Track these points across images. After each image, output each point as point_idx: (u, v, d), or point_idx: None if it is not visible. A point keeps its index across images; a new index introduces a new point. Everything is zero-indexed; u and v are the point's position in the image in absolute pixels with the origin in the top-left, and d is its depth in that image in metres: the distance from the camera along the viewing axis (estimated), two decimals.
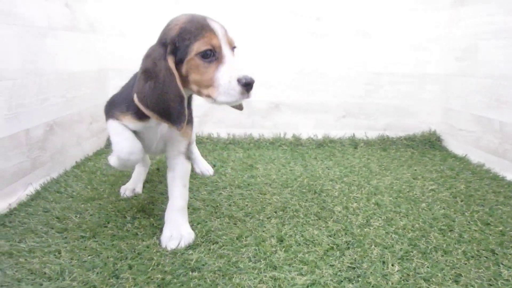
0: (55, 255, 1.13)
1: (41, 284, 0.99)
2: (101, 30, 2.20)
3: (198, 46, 1.02)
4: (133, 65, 2.38)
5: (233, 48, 1.10)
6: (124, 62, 2.30)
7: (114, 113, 1.19)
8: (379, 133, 2.33)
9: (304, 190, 1.58)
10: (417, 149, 2.16)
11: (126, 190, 1.54)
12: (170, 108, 1.02)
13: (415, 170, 1.83)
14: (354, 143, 2.24)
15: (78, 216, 1.35)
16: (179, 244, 1.14)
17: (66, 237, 1.22)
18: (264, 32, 2.25)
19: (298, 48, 2.27)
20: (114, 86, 2.27)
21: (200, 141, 2.30)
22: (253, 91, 1.05)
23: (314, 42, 2.25)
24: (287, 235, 1.21)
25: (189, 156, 1.25)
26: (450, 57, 2.19)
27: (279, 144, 2.24)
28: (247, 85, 1.00)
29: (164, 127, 1.20)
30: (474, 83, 2.01)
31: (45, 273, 1.04)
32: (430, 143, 2.21)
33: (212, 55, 1.03)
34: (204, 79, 1.03)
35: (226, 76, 1.01)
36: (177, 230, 1.17)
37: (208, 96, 1.04)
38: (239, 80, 1.00)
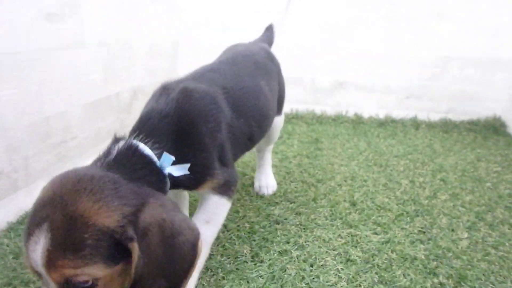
0: None
1: None
2: (178, 4, 2.35)
3: None
4: (204, 41, 2.50)
5: None
6: (194, 38, 2.46)
7: None
8: (441, 116, 2.34)
9: (370, 164, 1.67)
10: (480, 133, 2.16)
11: None
12: None
13: (479, 152, 1.86)
14: (415, 124, 2.27)
15: None
16: None
17: None
18: (333, 13, 2.31)
19: (367, 29, 2.31)
20: (183, 61, 2.45)
21: None
22: None
23: (384, 24, 2.28)
24: (359, 201, 1.32)
25: (227, 191, 0.95)
26: None
27: (341, 121, 2.32)
28: None
29: None
30: None
31: None
32: (493, 128, 2.20)
33: None
34: None
35: None
36: None
37: None
38: None
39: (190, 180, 0.87)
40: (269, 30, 1.47)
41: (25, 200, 1.22)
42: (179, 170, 0.82)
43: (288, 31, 2.36)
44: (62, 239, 0.63)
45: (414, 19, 2.26)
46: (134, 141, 0.80)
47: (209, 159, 0.88)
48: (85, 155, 1.51)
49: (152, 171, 0.79)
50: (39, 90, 1.18)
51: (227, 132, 0.94)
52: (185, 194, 1.15)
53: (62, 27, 1.28)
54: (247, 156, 1.69)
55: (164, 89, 0.93)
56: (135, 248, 0.66)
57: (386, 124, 2.29)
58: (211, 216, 0.93)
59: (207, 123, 0.89)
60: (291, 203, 1.31)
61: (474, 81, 2.30)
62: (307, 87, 2.48)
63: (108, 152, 0.79)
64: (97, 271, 0.65)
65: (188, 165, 0.83)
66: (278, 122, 1.34)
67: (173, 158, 0.80)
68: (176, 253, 0.70)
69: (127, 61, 1.78)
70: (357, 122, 2.33)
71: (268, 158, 1.45)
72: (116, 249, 0.66)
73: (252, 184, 1.44)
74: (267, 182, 1.41)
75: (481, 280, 0.93)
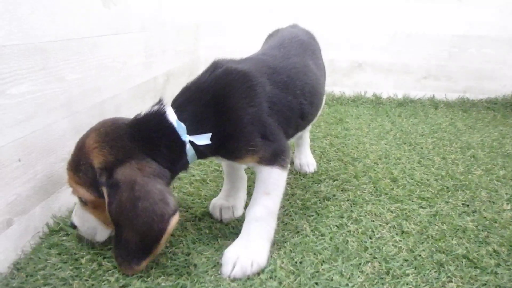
0: (201, 183, 1.35)
1: (202, 203, 1.21)
2: None
3: None
4: (224, 23, 2.50)
5: None
6: (215, 20, 2.46)
7: None
8: (459, 95, 2.39)
9: (399, 142, 1.72)
10: (498, 111, 2.22)
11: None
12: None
13: (501, 130, 1.92)
14: (434, 103, 2.33)
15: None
16: (240, 270, 0.88)
17: (203, 170, 1.44)
18: None
19: (384, 9, 2.33)
20: (205, 44, 2.45)
21: None
22: None
23: (401, 4, 2.30)
24: (399, 177, 1.37)
25: (277, 161, 0.96)
26: None
27: (360, 102, 2.36)
28: None
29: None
30: None
31: (201, 195, 1.26)
32: (511, 106, 2.26)
33: None
34: None
35: None
36: (242, 253, 0.91)
37: None
38: None
39: (226, 152, 0.94)
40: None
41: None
42: (201, 139, 0.89)
43: (305, 12, 2.38)
44: (73, 159, 0.88)
45: None
46: (164, 107, 0.89)
47: (244, 132, 0.92)
48: None
49: (169, 136, 0.87)
50: (97, 74, 1.20)
51: (270, 109, 0.97)
52: (243, 174, 1.18)
53: (115, 12, 1.29)
54: None
55: (212, 66, 0.98)
56: (105, 192, 0.82)
57: (405, 104, 2.34)
58: (268, 186, 0.96)
59: (241, 99, 0.92)
60: (334, 180, 1.36)
61: (491, 60, 2.34)
62: (326, 68, 2.50)
63: (141, 113, 0.90)
64: (83, 193, 0.86)
65: (209, 134, 0.89)
66: (323, 101, 1.37)
67: (184, 127, 0.87)
68: (140, 216, 0.79)
69: (162, 45, 1.79)
70: (377, 102, 2.37)
71: (307, 138, 1.50)
72: (97, 184, 0.84)
73: (291, 163, 1.48)
74: (307, 160, 1.45)
75: None
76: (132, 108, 1.51)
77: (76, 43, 1.11)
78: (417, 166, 1.47)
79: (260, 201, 0.96)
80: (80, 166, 0.85)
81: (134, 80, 1.49)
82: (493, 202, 1.22)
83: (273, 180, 0.96)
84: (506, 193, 1.27)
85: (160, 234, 0.79)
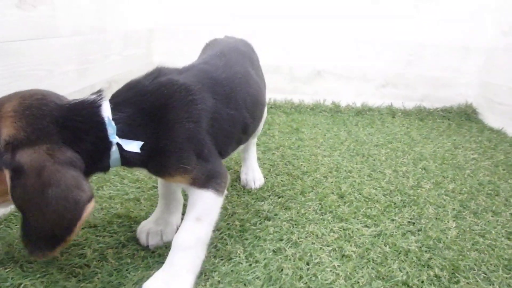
0: (134, 202, 1.24)
1: (131, 226, 1.11)
2: None
3: None
4: (178, 29, 2.41)
5: None
6: (169, 25, 2.35)
7: None
8: (416, 104, 2.38)
9: (352, 153, 1.67)
10: (453, 120, 2.22)
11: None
12: None
13: (455, 140, 1.90)
14: (392, 112, 2.30)
15: None
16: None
17: (139, 187, 1.34)
18: (310, 0, 2.27)
19: (343, 17, 2.29)
20: (158, 50, 2.34)
21: None
22: None
23: (361, 12, 2.27)
24: (347, 193, 1.31)
25: (211, 184, 0.88)
26: (497, 31, 2.20)
27: (319, 110, 2.31)
28: None
29: None
30: None
31: (131, 216, 1.16)
32: (466, 115, 2.27)
33: None
34: None
35: None
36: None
37: None
38: None
39: (156, 165, 0.87)
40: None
41: None
42: (130, 145, 0.81)
43: (265, 19, 2.31)
44: None
45: (390, 6, 2.26)
46: (101, 100, 0.81)
47: (179, 148, 0.85)
48: None
49: (97, 132, 0.79)
50: (9, 83, 1.08)
51: (210, 125, 0.89)
52: (179, 196, 1.09)
53: (35, 15, 1.17)
54: None
55: (154, 72, 0.90)
56: (6, 174, 0.73)
57: (363, 112, 2.31)
58: (200, 211, 0.87)
59: (181, 113, 0.85)
60: (279, 197, 1.28)
61: (447, 68, 2.35)
62: (285, 76, 2.45)
63: (77, 98, 0.81)
64: None
65: (141, 143, 0.81)
66: (264, 113, 1.30)
67: (114, 126, 0.79)
68: (51, 204, 0.71)
69: (102, 50, 1.67)
70: (335, 111, 2.32)
71: (253, 151, 1.42)
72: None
73: (237, 179, 1.40)
74: (253, 175, 1.37)
75: (474, 270, 0.95)
76: None
77: None
78: (367, 180, 1.41)
79: (190, 228, 0.87)
80: None
81: (63, 89, 1.36)
82: (439, 219, 1.17)
83: (206, 206, 0.89)
84: (453, 209, 1.23)
85: (74, 223, 0.72)
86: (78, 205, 0.72)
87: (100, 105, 0.80)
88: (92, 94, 0.82)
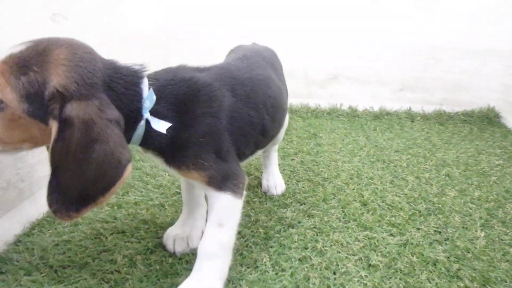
0: (159, 208, 1.25)
1: (157, 232, 1.12)
2: None
3: None
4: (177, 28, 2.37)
5: None
6: (169, 24, 2.36)
7: None
8: (435, 108, 2.35)
9: (372, 159, 1.66)
10: (475, 124, 2.18)
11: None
12: None
13: (477, 145, 1.87)
14: (410, 116, 2.27)
15: (167, 173, 1.47)
16: None
17: (163, 193, 1.35)
18: (325, 4, 2.26)
19: (359, 20, 2.27)
20: (157, 47, 2.35)
21: None
22: None
23: (377, 15, 2.25)
24: (369, 200, 1.30)
25: (229, 186, 0.88)
26: None
27: (336, 115, 2.29)
28: None
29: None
30: None
31: (156, 222, 1.17)
32: (488, 119, 2.23)
33: None
34: None
35: None
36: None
37: None
38: None
39: (173, 156, 0.86)
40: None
41: (31, 210, 1.15)
42: (158, 124, 0.81)
43: (280, 24, 2.31)
44: (24, 58, 0.70)
45: (406, 9, 2.24)
46: (143, 73, 0.82)
47: (198, 142, 0.85)
48: None
49: (132, 102, 0.79)
50: None
51: (229, 123, 0.90)
52: (202, 201, 1.09)
53: (66, 27, 1.19)
54: None
55: (177, 69, 0.92)
56: (53, 126, 0.70)
57: (381, 117, 2.28)
58: (221, 216, 0.88)
59: (204, 108, 0.86)
60: (301, 204, 1.27)
61: (467, 72, 2.31)
62: (301, 80, 2.44)
63: (122, 64, 0.82)
64: (9, 98, 0.69)
65: (168, 124, 0.81)
66: (286, 121, 1.30)
67: (154, 100, 0.80)
68: (94, 160, 0.70)
69: (125, 56, 1.68)
70: (352, 115, 2.31)
71: (275, 158, 1.42)
72: (36, 102, 0.70)
73: (258, 185, 1.40)
74: (275, 182, 1.37)
75: (506, 282, 0.93)
76: None
77: None
78: (389, 187, 1.40)
79: (213, 234, 0.87)
80: (28, 70, 0.69)
81: None
82: (467, 228, 1.15)
83: (226, 209, 0.89)
84: (480, 217, 1.21)
85: (114, 182, 0.72)
86: (120, 163, 0.72)
87: (142, 77, 0.81)
88: (135, 64, 0.83)
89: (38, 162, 1.18)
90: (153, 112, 0.81)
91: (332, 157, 1.67)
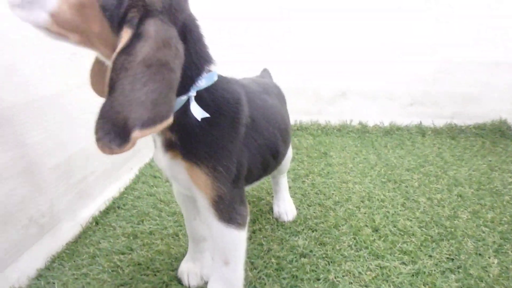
0: (174, 237, 1.28)
1: (172, 264, 1.15)
2: None
3: None
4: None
5: None
6: None
7: None
8: (446, 121, 2.33)
9: (383, 180, 1.66)
10: (487, 138, 2.16)
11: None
12: None
13: (490, 161, 1.86)
14: (421, 131, 2.27)
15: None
16: None
17: (177, 221, 1.38)
18: (333, 21, 2.28)
19: (366, 35, 2.29)
20: None
21: None
22: None
23: (384, 29, 2.26)
24: (381, 225, 1.30)
25: (233, 218, 0.85)
26: None
27: (346, 131, 2.30)
28: None
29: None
30: None
31: (171, 253, 1.20)
32: (500, 132, 2.20)
33: None
34: None
35: None
36: None
37: None
38: None
39: (189, 148, 0.80)
40: (266, 72, 1.43)
41: (51, 243, 1.20)
42: (196, 108, 0.77)
43: (289, 41, 2.34)
44: None
45: (415, 23, 2.24)
46: (212, 61, 0.81)
47: (217, 150, 0.81)
48: (103, 187, 1.50)
49: (194, 70, 0.77)
50: (62, 130, 1.15)
51: (245, 139, 0.88)
52: (205, 234, 1.09)
53: (80, 65, 1.25)
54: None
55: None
56: (125, 33, 0.65)
57: (392, 132, 2.28)
58: (226, 252, 0.88)
59: (228, 119, 0.83)
60: (313, 231, 1.29)
61: (477, 84, 2.30)
62: (310, 97, 2.46)
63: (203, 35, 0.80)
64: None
65: (206, 114, 0.77)
66: (289, 151, 1.32)
67: (212, 80, 0.79)
68: (155, 82, 0.64)
69: None
70: (363, 131, 2.31)
71: (284, 183, 1.43)
72: (119, 5, 0.66)
73: (270, 210, 1.42)
74: (285, 208, 1.38)
75: None
76: (104, 155, 1.45)
77: (39, 103, 1.06)
78: (401, 210, 1.40)
79: (220, 275, 0.89)
80: None
81: None
82: (480, 254, 1.15)
83: (231, 245, 0.88)
84: (494, 242, 1.20)
85: (161, 119, 0.65)
86: (171, 103, 0.67)
87: (211, 59, 0.80)
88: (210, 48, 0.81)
89: (57, 196, 1.22)
90: (197, 96, 0.78)
91: (343, 178, 1.68)
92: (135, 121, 0.63)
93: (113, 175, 1.59)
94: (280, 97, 1.21)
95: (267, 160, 1.01)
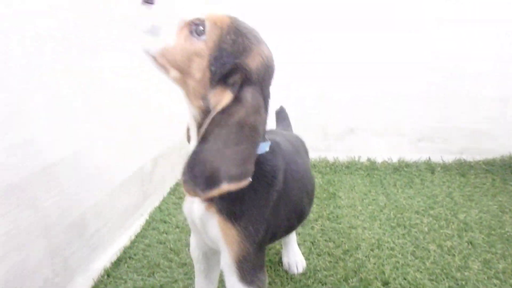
0: None
1: None
2: None
3: None
4: None
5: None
6: None
7: None
8: (455, 157, 2.33)
9: (393, 224, 1.66)
10: (497, 174, 2.15)
11: None
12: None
13: (500, 200, 1.84)
14: (430, 167, 2.27)
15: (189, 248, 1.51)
16: None
17: (187, 273, 1.39)
18: (340, 57, 2.32)
19: (374, 72, 2.32)
20: None
21: None
22: None
23: (391, 66, 2.29)
24: (391, 278, 1.30)
25: (253, 280, 0.86)
26: None
27: (355, 168, 2.31)
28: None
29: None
30: None
31: None
32: (510, 168, 2.19)
33: None
34: None
35: None
36: None
37: None
38: None
39: (226, 201, 0.82)
40: (283, 113, 1.46)
41: None
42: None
43: (297, 77, 2.38)
44: (231, 29, 0.77)
45: (421, 57, 2.27)
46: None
47: (251, 212, 0.83)
48: (115, 237, 1.53)
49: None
50: (77, 188, 1.20)
51: (275, 208, 0.90)
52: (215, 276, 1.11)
53: (92, 128, 1.31)
54: None
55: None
56: (226, 95, 0.74)
57: (401, 169, 2.28)
58: None
59: (263, 185, 0.86)
60: (322, 284, 1.29)
61: (486, 119, 2.30)
62: (319, 134, 2.49)
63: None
64: (212, 36, 0.75)
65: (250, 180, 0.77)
66: None
67: (265, 149, 0.87)
68: (242, 142, 0.72)
69: (148, 133, 1.79)
70: (371, 168, 2.32)
71: (294, 234, 1.44)
72: (223, 65, 0.75)
73: (279, 261, 1.42)
74: (295, 259, 1.39)
75: None
76: (116, 205, 1.49)
77: (53, 168, 1.10)
78: (410, 260, 1.40)
79: None
80: (238, 36, 0.76)
81: (119, 177, 1.47)
82: None
83: None
84: None
85: (243, 177, 0.72)
86: (251, 165, 0.73)
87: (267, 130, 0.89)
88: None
89: (71, 254, 1.25)
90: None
91: (352, 222, 1.68)
92: (225, 174, 0.71)
93: (125, 223, 1.62)
94: (304, 150, 1.24)
95: (292, 222, 1.04)
